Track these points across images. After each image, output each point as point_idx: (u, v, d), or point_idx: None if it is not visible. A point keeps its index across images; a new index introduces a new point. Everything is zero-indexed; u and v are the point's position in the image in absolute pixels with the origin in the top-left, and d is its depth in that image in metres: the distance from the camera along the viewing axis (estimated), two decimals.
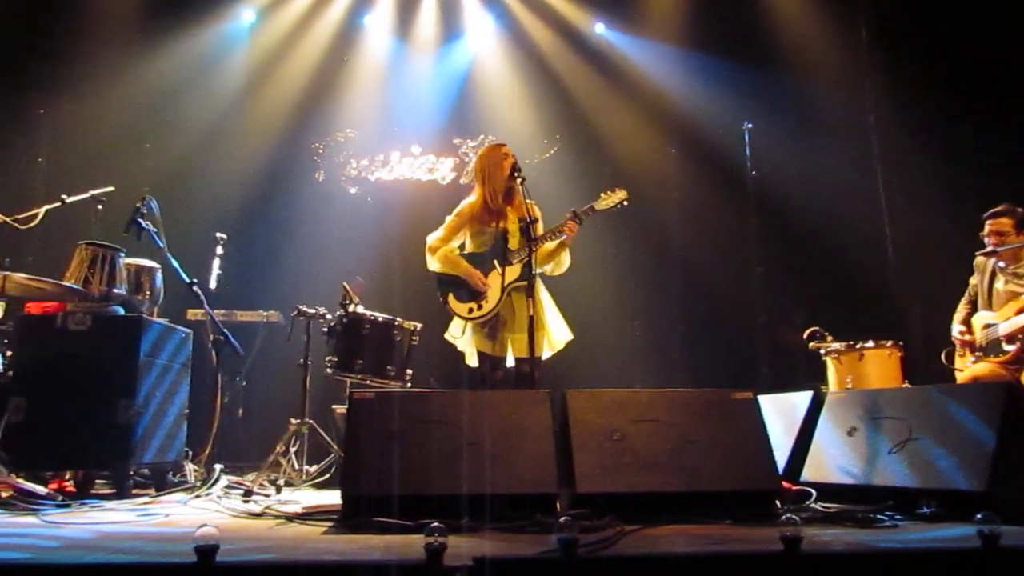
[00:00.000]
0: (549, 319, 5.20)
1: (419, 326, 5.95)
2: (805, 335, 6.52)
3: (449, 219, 5.37)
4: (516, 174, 5.07)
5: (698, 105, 8.37)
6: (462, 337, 5.26)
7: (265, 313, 7.38)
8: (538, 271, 5.18)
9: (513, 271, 5.10)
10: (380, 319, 5.80)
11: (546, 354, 5.18)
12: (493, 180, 5.24)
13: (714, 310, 8.13)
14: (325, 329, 5.83)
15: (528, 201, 5.09)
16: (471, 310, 5.16)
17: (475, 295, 5.15)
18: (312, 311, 5.87)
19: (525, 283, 5.00)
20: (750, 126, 8.06)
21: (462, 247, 5.38)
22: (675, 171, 8.62)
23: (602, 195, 5.18)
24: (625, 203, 5.17)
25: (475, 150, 8.67)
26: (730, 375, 7.56)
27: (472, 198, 5.38)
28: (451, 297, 5.23)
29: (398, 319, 5.82)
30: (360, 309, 5.83)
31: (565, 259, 5.27)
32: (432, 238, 5.34)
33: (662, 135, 8.69)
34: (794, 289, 7.96)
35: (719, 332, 8.09)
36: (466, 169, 8.70)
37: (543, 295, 5.26)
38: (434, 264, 5.30)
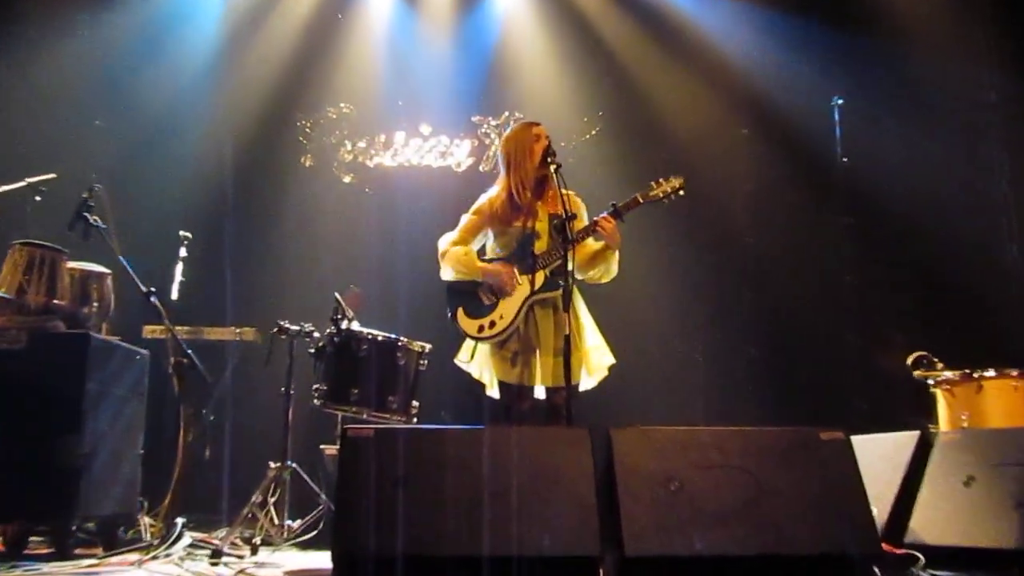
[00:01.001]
0: (588, 339, 5.21)
1: (428, 347, 5.94)
2: (909, 361, 6.47)
3: (466, 217, 5.39)
4: (549, 160, 5.08)
5: (776, 77, 8.35)
6: (471, 362, 5.28)
7: (239, 330, 7.40)
8: (576, 279, 5.19)
9: (538, 278, 5.11)
10: (380, 339, 5.79)
11: (585, 383, 5.19)
12: (521, 168, 5.26)
13: (794, 329, 8.09)
14: (312, 350, 5.83)
15: (566, 192, 5.09)
16: (482, 328, 5.16)
17: (487, 309, 5.17)
18: (296, 328, 5.88)
19: (553, 294, 5.01)
20: (840, 103, 8.02)
21: (482, 251, 5.40)
22: (746, 158, 8.58)
23: (652, 184, 5.17)
24: (681, 193, 5.16)
25: (499, 130, 8.70)
26: (816, 410, 7.50)
27: (495, 190, 5.39)
28: (461, 312, 5.26)
29: (403, 339, 5.82)
30: (356, 326, 5.83)
31: (612, 264, 5.28)
32: (445, 240, 5.36)
33: (730, 113, 8.67)
34: (895, 304, 7.90)
35: (801, 356, 8.04)
36: (487, 154, 8.72)
37: (581, 309, 5.27)
38: (447, 271, 5.31)
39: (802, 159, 8.25)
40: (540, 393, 5.16)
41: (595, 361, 5.20)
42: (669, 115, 8.64)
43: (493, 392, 5.27)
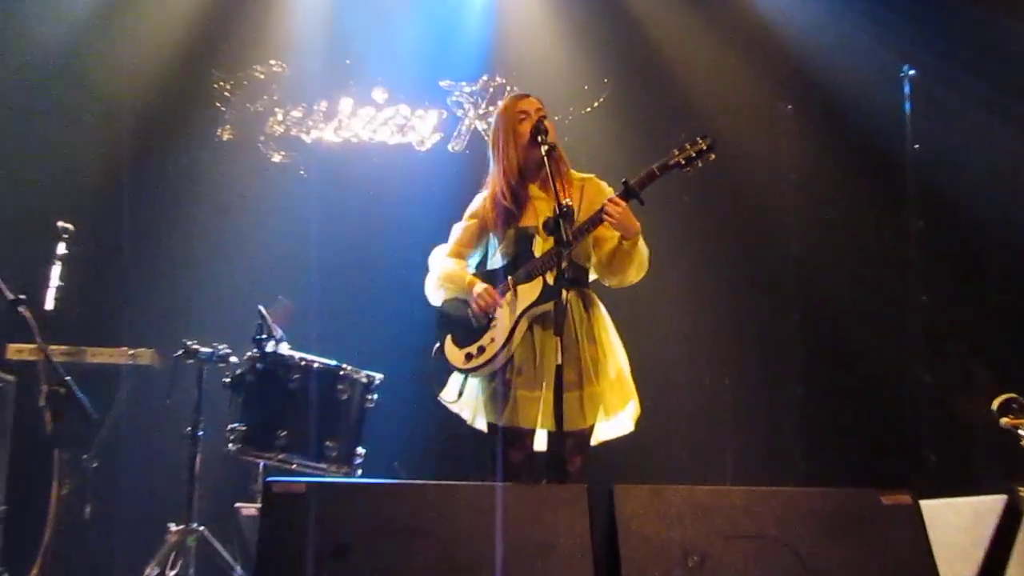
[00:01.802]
0: (609, 368, 5.23)
1: (379, 378, 5.94)
2: (995, 405, 6.47)
3: (459, 225, 5.51)
4: (540, 140, 5.10)
5: (829, 38, 8.39)
6: (458, 400, 5.30)
7: (133, 352, 7.35)
8: (605, 285, 5.32)
9: (528, 291, 5.15)
10: (317, 366, 5.80)
11: (607, 429, 5.23)
12: (504, 155, 5.33)
13: (850, 362, 8.12)
14: (228, 380, 5.83)
15: (582, 177, 5.25)
16: (469, 356, 5.19)
17: (476, 333, 5.18)
18: (208, 351, 5.89)
19: (550, 308, 5.03)
20: (912, 73, 8.07)
21: (482, 264, 5.48)
22: (790, 141, 8.63)
23: (674, 151, 5.15)
24: (712, 157, 5.11)
25: (473, 99, 8.75)
26: (876, 466, 7.54)
27: (486, 189, 5.49)
28: (449, 342, 5.33)
29: (346, 366, 5.83)
30: (285, 349, 5.84)
31: (636, 258, 5.24)
32: (436, 255, 5.48)
33: (771, 84, 8.71)
34: (978, 333, 7.95)
35: (858, 397, 8.07)
36: (459, 129, 8.74)
37: (602, 328, 5.30)
38: (435, 293, 5.37)
39: (861, 144, 8.30)
40: (541, 441, 5.20)
41: (614, 399, 5.21)
42: (692, 84, 8.68)
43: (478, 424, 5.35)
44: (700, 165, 5.13)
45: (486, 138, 8.16)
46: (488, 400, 5.19)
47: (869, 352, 8.11)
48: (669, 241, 7.99)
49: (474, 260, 5.49)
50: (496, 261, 5.37)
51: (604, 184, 5.40)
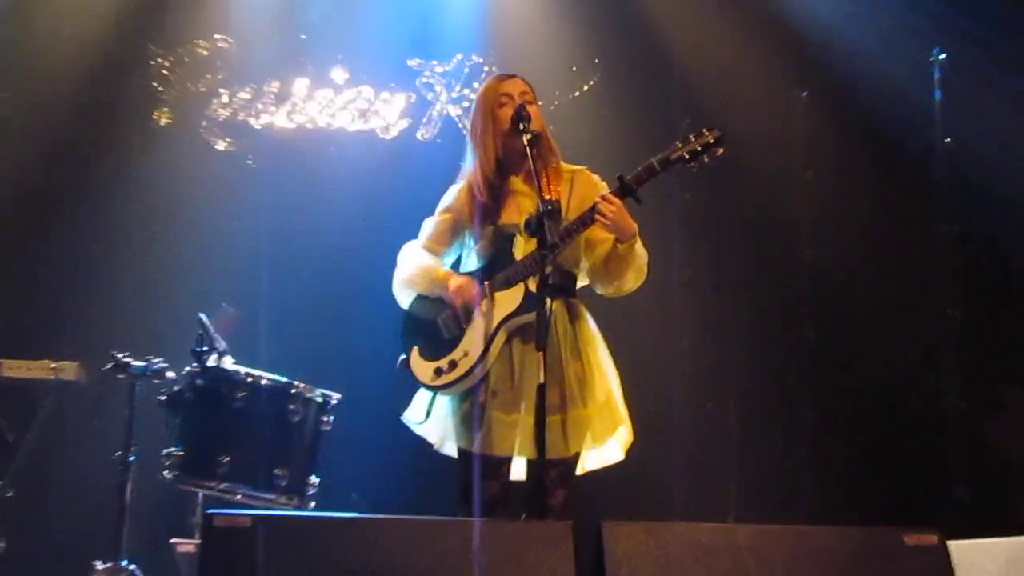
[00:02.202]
0: (596, 389, 5.18)
1: (335, 398, 5.93)
2: None
3: (431, 220, 5.45)
4: (522, 128, 5.08)
5: (849, 21, 8.42)
6: (426, 422, 5.26)
7: (55, 365, 7.34)
8: (580, 288, 5.28)
9: (508, 299, 5.11)
10: (266, 383, 5.79)
11: (593, 458, 5.20)
12: (483, 141, 5.30)
13: (871, 384, 8.16)
14: (164, 398, 5.82)
15: (572, 168, 5.23)
16: (439, 372, 5.14)
17: (447, 344, 5.14)
18: (141, 364, 5.87)
19: (532, 319, 4.94)
20: (942, 58, 8.10)
21: (456, 266, 5.43)
22: (805, 133, 8.64)
23: (676, 143, 5.11)
24: (719, 152, 5.08)
25: (446, 81, 8.78)
26: (898, 502, 7.57)
27: (463, 179, 5.43)
28: (415, 354, 5.25)
29: (299, 383, 5.81)
30: (229, 363, 5.83)
31: (634, 263, 5.19)
32: (402, 252, 5.42)
33: (784, 68, 8.73)
34: (1015, 353, 7.98)
35: (879, 424, 8.09)
36: (430, 114, 8.75)
37: (589, 343, 5.26)
38: (404, 292, 5.35)
39: (885, 137, 8.33)
40: (519, 469, 5.17)
41: (603, 424, 5.17)
42: (694, 66, 8.72)
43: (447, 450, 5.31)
44: (706, 161, 5.06)
45: (461, 125, 8.20)
46: (459, 423, 5.14)
47: (892, 373, 8.14)
48: (667, 245, 8.04)
49: (448, 261, 5.43)
50: (472, 263, 5.33)
51: (597, 178, 5.36)
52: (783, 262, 8.63)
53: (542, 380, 4.63)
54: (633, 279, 5.24)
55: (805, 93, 8.72)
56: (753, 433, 8.37)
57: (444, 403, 5.22)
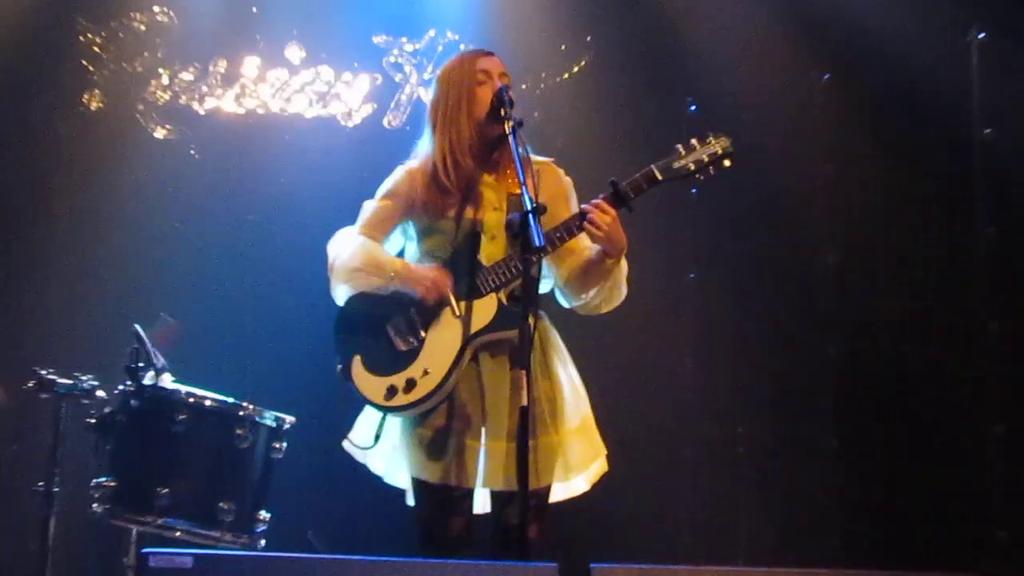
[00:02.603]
0: (568, 412, 5.19)
1: (289, 421, 5.91)
2: None
3: (371, 204, 5.37)
4: (503, 113, 5.06)
5: None
6: (372, 447, 5.21)
7: None
8: (564, 307, 5.25)
9: (484, 309, 5.09)
10: (209, 404, 5.77)
11: (559, 490, 5.18)
12: (455, 124, 5.24)
13: (901, 408, 8.12)
14: (94, 420, 5.80)
15: (542, 161, 5.17)
16: (393, 390, 5.07)
17: (402, 357, 5.09)
18: (68, 382, 5.84)
19: (512, 334, 4.94)
20: (981, 38, 8.11)
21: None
22: (827, 121, 8.65)
23: (679, 149, 5.15)
24: (727, 163, 5.11)
25: (417, 61, 8.78)
26: (933, 543, 7.56)
27: (416, 161, 5.39)
28: (358, 363, 5.16)
29: (247, 404, 5.80)
30: (168, 381, 5.81)
31: (618, 282, 5.23)
32: (338, 238, 5.34)
33: (802, 48, 8.72)
34: None
35: (910, 455, 8.07)
36: (398, 98, 8.74)
37: (559, 360, 5.27)
38: (341, 285, 5.23)
39: (917, 127, 8.29)
40: (482, 502, 5.16)
41: (579, 453, 5.17)
42: (702, 46, 8.69)
43: (406, 496, 5.24)
44: (712, 173, 5.13)
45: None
46: (415, 449, 5.09)
47: (925, 396, 8.08)
48: (670, 249, 8.07)
49: (385, 247, 5.36)
50: (421, 262, 5.27)
51: (563, 173, 5.38)
52: (802, 268, 8.62)
53: (525, 402, 4.52)
54: (616, 298, 5.29)
55: (827, 76, 8.73)
56: (767, 463, 8.36)
57: (395, 425, 5.18)
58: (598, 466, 5.23)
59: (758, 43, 8.69)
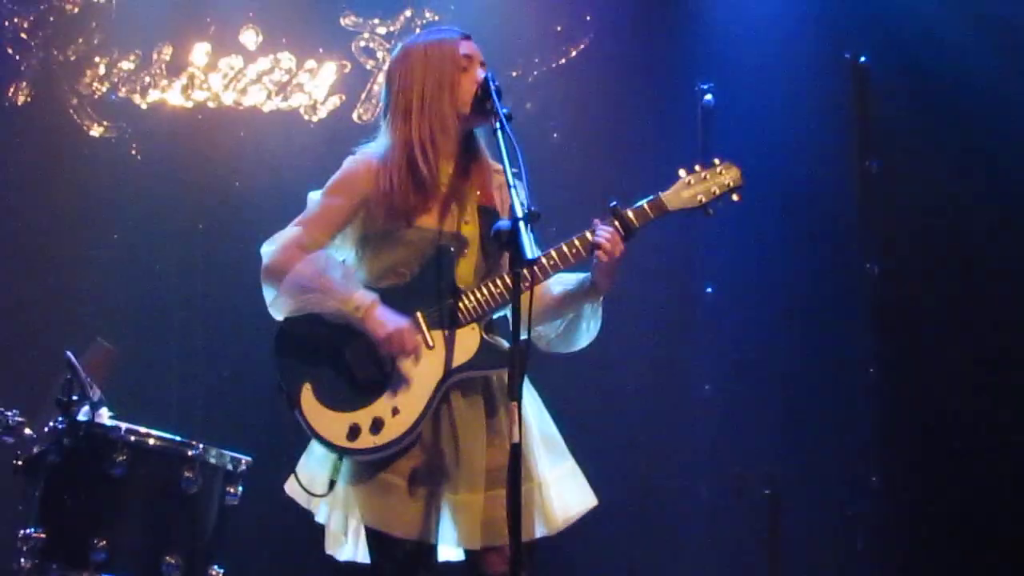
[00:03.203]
0: (539, 456, 5.15)
1: (245, 462, 5.93)
2: None
3: (318, 200, 5.27)
4: (489, 107, 5.05)
5: None
6: (327, 495, 5.15)
7: None
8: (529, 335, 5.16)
9: (464, 342, 5.05)
10: (153, 443, 5.79)
11: (540, 531, 5.10)
12: (436, 112, 5.20)
13: (953, 440, 8.12)
14: (20, 461, 5.81)
15: (512, 169, 5.06)
16: (355, 430, 5.00)
17: (366, 392, 5.02)
18: None
19: (489, 373, 5.02)
20: None
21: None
22: (870, 111, 8.65)
23: (684, 175, 5.15)
24: (735, 198, 5.14)
25: (391, 45, 8.79)
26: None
27: (377, 150, 5.29)
28: (307, 393, 5.07)
29: (197, 443, 5.82)
30: (106, 416, 5.83)
31: (596, 319, 5.22)
32: (276, 243, 5.20)
33: (836, 25, 8.73)
34: None
35: (964, 492, 8.05)
36: (369, 88, 8.78)
37: (526, 397, 5.11)
38: (281, 300, 5.09)
39: (975, 118, 8.32)
40: (449, 551, 5.11)
41: (558, 500, 5.14)
42: (716, 24, 8.77)
43: (352, 552, 5.16)
44: (721, 206, 5.19)
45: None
46: (375, 497, 5.01)
47: (980, 427, 8.14)
48: (685, 257, 8.12)
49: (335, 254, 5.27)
50: (373, 273, 5.18)
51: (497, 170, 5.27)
52: (838, 279, 8.67)
53: (517, 438, 4.43)
54: (583, 335, 5.28)
55: (863, 58, 8.74)
56: (795, 506, 8.32)
57: (350, 473, 5.05)
58: (583, 506, 5.18)
59: (782, 18, 8.73)
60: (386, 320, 4.93)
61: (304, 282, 5.02)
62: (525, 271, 4.51)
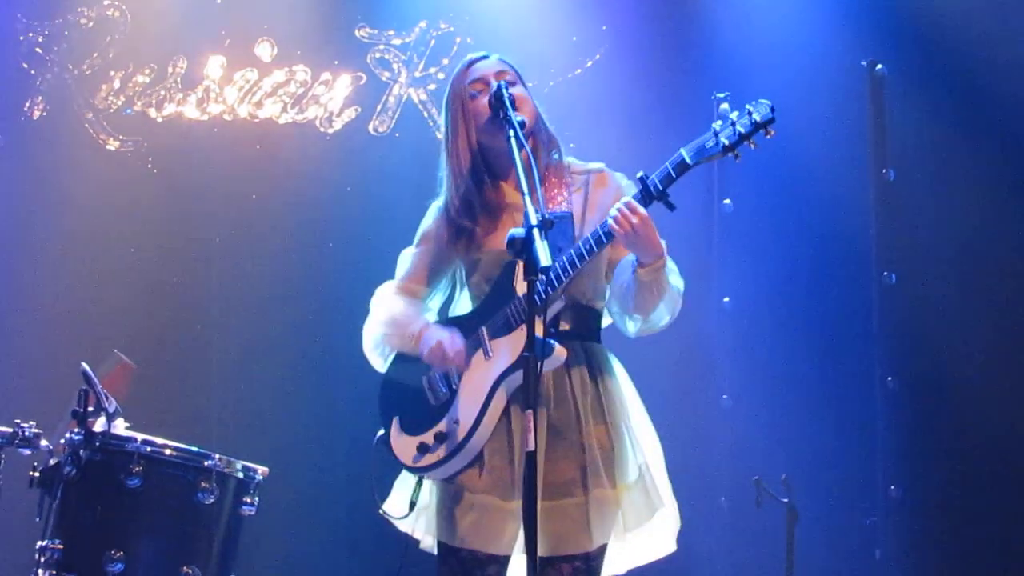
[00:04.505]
0: (627, 462, 5.08)
1: (262, 473, 5.94)
2: None
3: (408, 253, 5.40)
4: (502, 116, 5.00)
5: None
6: (408, 515, 5.14)
7: None
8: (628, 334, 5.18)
9: (514, 345, 4.98)
10: (170, 453, 5.78)
11: (632, 552, 5.12)
12: (455, 153, 5.21)
13: (975, 452, 8.10)
14: (37, 473, 5.81)
15: (591, 165, 5.14)
16: (423, 449, 5.03)
17: (432, 412, 5.02)
18: (6, 430, 5.86)
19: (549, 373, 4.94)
20: None
21: (445, 308, 5.40)
22: (886, 119, 8.64)
23: (714, 127, 4.97)
24: (769, 133, 4.94)
25: (407, 57, 8.82)
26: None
27: (440, 205, 5.34)
28: (395, 426, 5.17)
29: (215, 456, 5.81)
30: (122, 427, 5.82)
31: (665, 289, 5.04)
32: (378, 295, 5.36)
33: (854, 32, 8.71)
34: None
35: (990, 507, 7.96)
36: (385, 99, 8.74)
37: (623, 397, 5.17)
38: (375, 351, 5.27)
39: (994, 126, 8.29)
40: (518, 568, 5.05)
41: (636, 510, 5.06)
42: (733, 32, 8.76)
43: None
44: (754, 147, 4.82)
45: (426, 114, 8.22)
46: (440, 509, 5.07)
47: (1001, 433, 8.08)
48: (701, 269, 8.10)
49: (434, 303, 5.38)
50: (464, 302, 5.27)
51: (621, 177, 5.23)
52: (855, 289, 8.64)
53: (532, 446, 4.38)
54: (665, 313, 5.13)
55: (880, 66, 8.72)
56: (812, 516, 8.22)
57: (429, 490, 5.13)
58: (671, 520, 5.13)
59: (800, 26, 8.73)
60: (429, 337, 5.02)
61: (377, 330, 5.27)
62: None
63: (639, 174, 4.88)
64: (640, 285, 4.99)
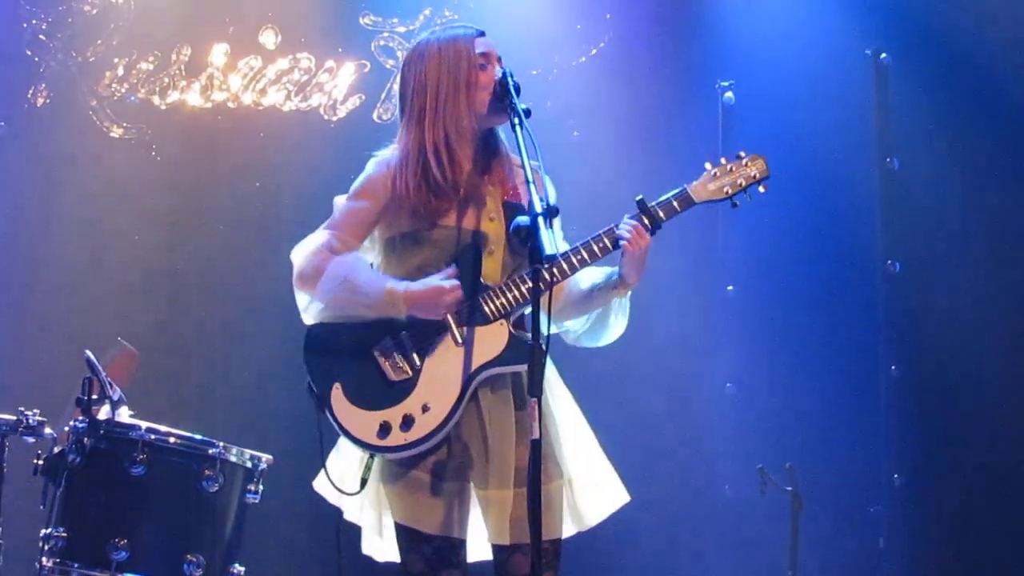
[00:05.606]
0: (567, 453, 5.12)
1: (266, 461, 5.93)
2: None
3: (343, 204, 5.23)
4: (505, 98, 5.01)
5: None
6: (358, 494, 5.12)
7: None
8: (549, 333, 5.09)
9: (491, 338, 5.01)
10: (174, 441, 5.78)
11: (570, 529, 5.11)
12: (453, 112, 5.11)
13: (978, 442, 8.15)
14: (41, 461, 5.81)
15: (531, 164, 4.89)
16: (386, 427, 5.00)
17: (395, 389, 5.00)
18: (10, 418, 5.86)
19: (517, 368, 4.95)
20: None
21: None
22: (891, 108, 8.65)
23: (709, 167, 5.13)
24: (761, 189, 5.15)
25: (408, 46, 8.60)
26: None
27: (393, 158, 5.21)
28: (338, 393, 5.06)
29: (218, 443, 5.81)
30: (126, 415, 5.82)
31: (623, 313, 5.22)
32: (305, 247, 5.18)
33: (858, 21, 8.69)
34: None
35: (992, 499, 7.98)
36: (389, 88, 8.75)
37: (558, 395, 5.21)
38: (313, 304, 5.12)
39: (999, 115, 8.30)
40: (480, 551, 5.09)
41: (590, 496, 5.13)
42: (735, 21, 8.75)
43: (383, 549, 5.16)
44: (749, 198, 5.21)
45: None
46: (404, 492, 4.99)
47: (1005, 422, 8.13)
48: (706, 257, 8.09)
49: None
50: (405, 279, 5.03)
51: (549, 182, 5.00)
52: (859, 277, 8.66)
53: (537, 434, 4.43)
54: (612, 330, 5.29)
55: (885, 55, 8.73)
56: (817, 505, 8.18)
57: (380, 471, 5.04)
58: (616, 502, 5.17)
59: (804, 15, 8.71)
60: (417, 287, 4.90)
61: (335, 285, 5.02)
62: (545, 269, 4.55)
63: (639, 198, 5.04)
64: (603, 299, 5.18)
